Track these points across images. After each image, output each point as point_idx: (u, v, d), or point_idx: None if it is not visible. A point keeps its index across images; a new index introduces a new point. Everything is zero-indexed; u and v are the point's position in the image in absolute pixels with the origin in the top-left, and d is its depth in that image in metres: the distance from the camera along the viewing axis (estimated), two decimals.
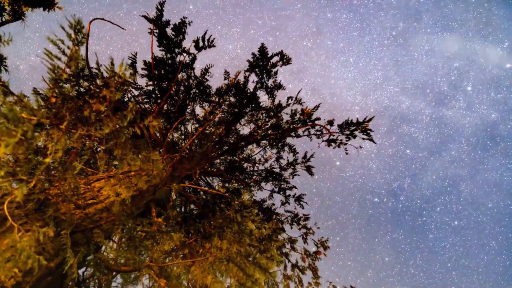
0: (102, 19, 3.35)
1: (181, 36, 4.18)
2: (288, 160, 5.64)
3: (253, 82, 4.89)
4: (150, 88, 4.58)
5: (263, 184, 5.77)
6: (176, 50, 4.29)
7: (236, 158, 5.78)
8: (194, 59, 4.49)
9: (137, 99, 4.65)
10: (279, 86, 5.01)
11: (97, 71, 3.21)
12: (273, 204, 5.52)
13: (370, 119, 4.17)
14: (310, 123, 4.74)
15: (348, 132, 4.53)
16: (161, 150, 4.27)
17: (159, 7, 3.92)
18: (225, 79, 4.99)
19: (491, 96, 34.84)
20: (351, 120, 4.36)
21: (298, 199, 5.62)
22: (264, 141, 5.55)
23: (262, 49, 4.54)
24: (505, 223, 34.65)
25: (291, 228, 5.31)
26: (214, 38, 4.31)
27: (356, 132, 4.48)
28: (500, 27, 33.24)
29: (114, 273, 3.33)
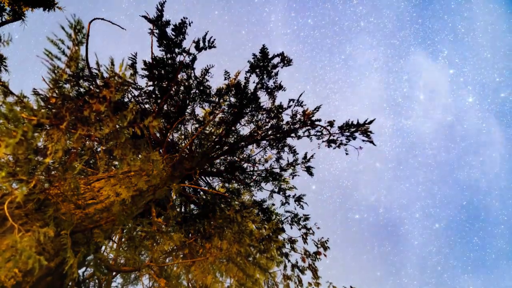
0: (102, 19, 3.35)
1: (181, 37, 4.18)
2: (288, 160, 5.64)
3: (253, 82, 4.89)
4: (150, 88, 4.58)
5: (263, 184, 5.77)
6: (176, 50, 4.29)
7: (236, 158, 5.77)
8: (194, 59, 4.49)
9: (137, 99, 4.65)
10: (280, 87, 5.01)
11: (97, 71, 3.21)
12: (273, 204, 5.52)
13: (371, 121, 4.17)
14: (310, 124, 4.74)
15: (348, 134, 4.53)
16: (161, 150, 4.27)
17: (159, 7, 3.92)
18: (225, 79, 4.99)
19: (443, 101, 36.90)
20: (352, 122, 4.36)
21: (298, 199, 5.62)
22: (264, 142, 5.55)
23: (263, 50, 4.54)
24: (482, 217, 35.53)
25: (291, 228, 5.30)
26: (214, 39, 4.31)
27: (356, 134, 4.48)
28: (436, 38, 35.71)
29: (114, 273, 3.33)
